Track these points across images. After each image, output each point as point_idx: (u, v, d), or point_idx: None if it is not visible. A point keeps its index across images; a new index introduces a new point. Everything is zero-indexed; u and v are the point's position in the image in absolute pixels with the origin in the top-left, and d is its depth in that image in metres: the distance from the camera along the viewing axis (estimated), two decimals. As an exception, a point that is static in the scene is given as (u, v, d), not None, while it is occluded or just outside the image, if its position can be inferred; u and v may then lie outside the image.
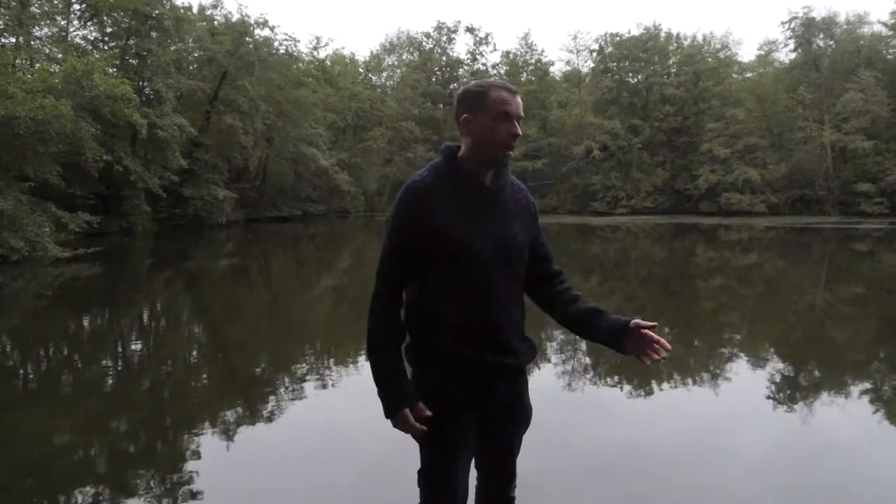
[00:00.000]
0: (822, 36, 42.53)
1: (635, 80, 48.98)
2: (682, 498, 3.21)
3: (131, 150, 23.91)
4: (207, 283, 13.04)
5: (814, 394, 5.12)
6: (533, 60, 56.91)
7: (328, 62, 48.66)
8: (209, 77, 31.81)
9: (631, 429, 4.21)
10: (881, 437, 4.17)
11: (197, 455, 3.80)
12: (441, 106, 54.09)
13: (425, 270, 1.79)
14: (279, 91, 34.27)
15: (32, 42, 23.14)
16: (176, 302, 10.84)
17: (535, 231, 1.94)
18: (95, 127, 18.46)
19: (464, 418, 1.84)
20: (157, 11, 25.05)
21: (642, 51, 48.00)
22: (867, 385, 5.33)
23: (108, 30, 26.76)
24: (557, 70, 56.87)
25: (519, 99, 1.81)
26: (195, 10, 32.99)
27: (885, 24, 40.71)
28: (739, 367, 5.92)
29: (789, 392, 5.14)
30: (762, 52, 47.60)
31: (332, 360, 6.37)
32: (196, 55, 32.37)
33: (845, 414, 4.54)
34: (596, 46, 50.56)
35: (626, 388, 5.27)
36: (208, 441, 4.02)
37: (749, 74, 47.71)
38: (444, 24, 56.51)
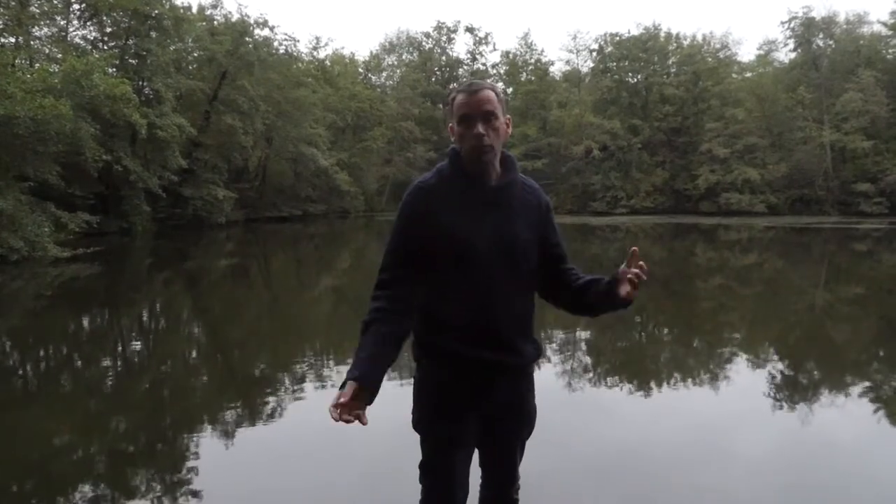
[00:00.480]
0: (821, 36, 42.51)
1: (635, 79, 48.95)
2: (682, 498, 3.21)
3: (131, 150, 23.91)
4: (207, 283, 13.04)
5: (813, 394, 5.12)
6: (533, 60, 56.88)
7: (328, 62, 48.67)
8: (209, 77, 31.82)
9: (631, 429, 4.21)
10: (881, 437, 4.17)
11: (197, 455, 3.80)
12: (441, 106, 54.03)
13: (428, 271, 1.79)
14: (279, 91, 34.26)
15: (32, 42, 23.14)
16: (176, 302, 10.84)
17: (545, 230, 1.89)
18: (95, 127, 18.47)
19: (464, 417, 1.85)
20: (156, 11, 25.07)
21: (642, 51, 47.97)
22: (867, 385, 5.32)
23: (108, 30, 26.77)
24: (557, 70, 56.88)
25: (483, 95, 1.74)
26: (195, 10, 33.01)
27: (884, 24, 40.74)
28: (739, 367, 5.92)
29: (789, 392, 5.14)
30: (762, 52, 47.63)
31: (331, 360, 6.37)
32: (196, 55, 32.37)
33: (845, 414, 4.55)
34: (596, 46, 50.56)
35: (626, 388, 5.28)
36: (208, 441, 4.02)
37: (749, 74, 47.70)
38: (443, 23, 56.65)
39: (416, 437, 1.91)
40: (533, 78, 54.95)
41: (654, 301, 10.41)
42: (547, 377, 5.37)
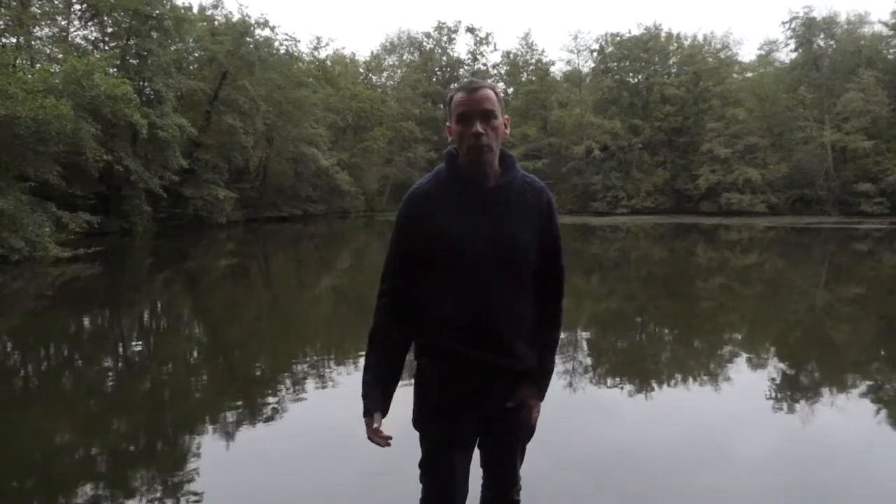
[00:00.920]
0: (822, 36, 42.52)
1: (636, 80, 48.97)
2: (682, 498, 3.21)
3: (132, 150, 23.91)
4: (207, 283, 13.04)
5: (814, 394, 5.11)
6: (533, 60, 56.89)
7: (328, 62, 48.65)
8: (209, 77, 31.81)
9: (631, 429, 4.21)
10: (881, 437, 4.17)
11: (197, 455, 3.80)
12: (441, 106, 54.05)
13: (426, 273, 1.80)
14: (279, 91, 34.27)
15: (33, 42, 23.15)
16: (176, 302, 10.84)
17: (545, 230, 1.86)
18: (96, 127, 18.47)
19: (463, 417, 1.85)
20: (157, 11, 25.06)
21: (643, 51, 47.99)
22: (867, 385, 5.32)
23: (109, 30, 26.78)
24: (558, 70, 56.89)
25: (482, 93, 1.74)
26: (195, 10, 33.00)
27: (885, 24, 40.73)
28: (739, 368, 5.92)
29: (789, 392, 5.14)
30: (763, 52, 47.68)
31: (332, 360, 6.37)
32: (196, 55, 32.38)
33: (845, 414, 4.54)
34: (596, 46, 50.61)
35: (626, 388, 5.27)
36: (208, 441, 4.03)
37: (749, 74, 47.72)
38: (444, 24, 56.70)
39: (416, 437, 1.92)
40: (534, 78, 54.96)
41: (654, 301, 10.41)
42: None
